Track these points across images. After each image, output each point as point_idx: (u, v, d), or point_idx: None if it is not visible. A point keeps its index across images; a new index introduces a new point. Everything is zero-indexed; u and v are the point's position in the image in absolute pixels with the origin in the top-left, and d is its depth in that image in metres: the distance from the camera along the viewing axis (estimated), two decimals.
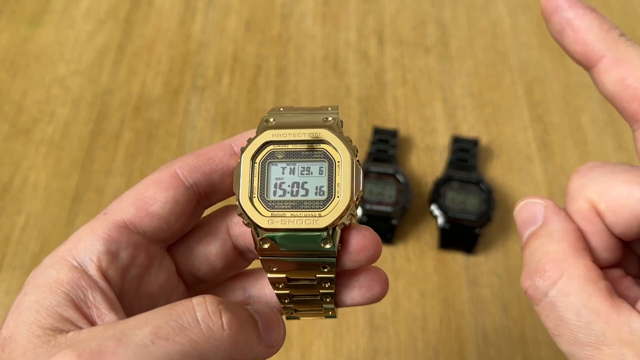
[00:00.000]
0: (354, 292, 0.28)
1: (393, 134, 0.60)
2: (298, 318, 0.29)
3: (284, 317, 0.29)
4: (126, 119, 0.62)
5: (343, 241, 0.25)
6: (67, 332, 0.22)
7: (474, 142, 0.60)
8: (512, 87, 0.66)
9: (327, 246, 0.24)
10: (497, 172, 0.60)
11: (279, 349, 0.25)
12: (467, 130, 0.63)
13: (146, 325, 0.21)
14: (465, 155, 0.59)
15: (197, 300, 0.22)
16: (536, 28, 0.71)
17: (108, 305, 0.23)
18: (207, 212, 0.29)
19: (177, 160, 0.26)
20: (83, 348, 0.20)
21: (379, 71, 0.67)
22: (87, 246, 0.24)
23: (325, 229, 0.24)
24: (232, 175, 0.26)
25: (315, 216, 0.24)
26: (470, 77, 0.67)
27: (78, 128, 0.62)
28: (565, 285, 0.22)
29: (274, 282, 0.26)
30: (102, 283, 0.24)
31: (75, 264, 0.24)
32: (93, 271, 0.24)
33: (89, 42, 0.69)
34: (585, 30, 0.23)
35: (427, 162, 0.61)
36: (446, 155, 0.60)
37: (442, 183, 0.56)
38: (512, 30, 0.71)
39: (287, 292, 0.27)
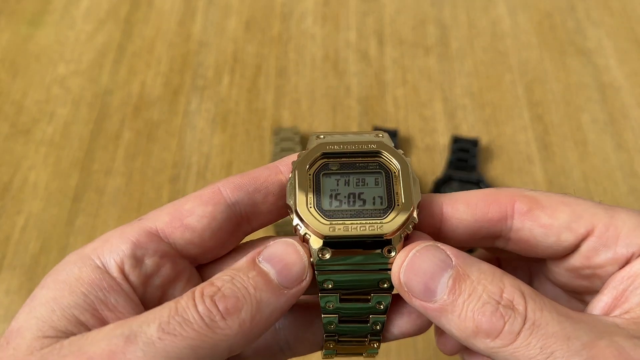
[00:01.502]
0: (404, 320, 0.26)
1: (393, 134, 0.60)
2: (335, 353, 0.28)
3: (322, 352, 0.28)
4: (126, 119, 0.62)
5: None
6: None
7: (474, 142, 0.60)
8: (512, 87, 0.66)
9: (392, 254, 0.23)
10: (497, 172, 0.60)
11: (308, 282, 0.23)
12: (467, 130, 0.63)
13: (153, 321, 0.20)
14: (465, 155, 0.59)
15: (197, 293, 0.21)
16: (536, 28, 0.71)
17: (132, 308, 0.23)
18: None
19: (222, 180, 0.25)
20: (94, 351, 0.20)
21: (379, 71, 0.67)
22: (113, 247, 0.23)
23: (389, 236, 0.23)
24: (276, 195, 0.25)
25: (377, 223, 0.23)
26: (470, 77, 0.67)
27: (78, 128, 0.62)
28: (535, 304, 0.22)
29: (325, 301, 0.25)
30: (125, 285, 0.23)
31: (99, 264, 0.23)
32: (116, 273, 0.23)
33: (89, 42, 0.69)
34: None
35: (427, 162, 0.60)
36: (446, 155, 0.60)
37: (442, 183, 0.56)
38: (512, 30, 0.71)
39: (336, 315, 0.25)
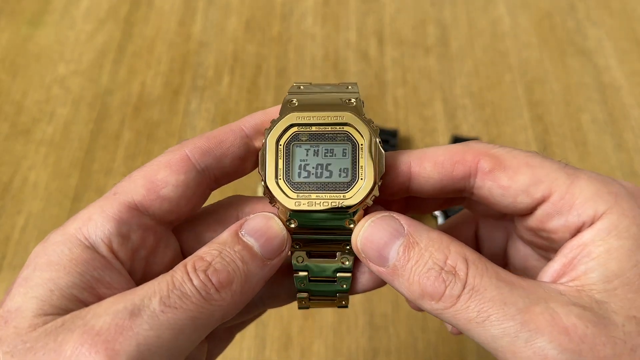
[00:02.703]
0: (365, 277, 0.28)
1: (393, 134, 0.60)
2: (309, 307, 0.30)
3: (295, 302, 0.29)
4: (126, 119, 0.62)
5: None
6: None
7: None
8: (512, 87, 0.66)
9: (352, 226, 0.26)
10: None
11: (287, 252, 0.26)
12: (467, 130, 0.63)
13: (154, 295, 0.22)
14: None
15: (190, 267, 0.23)
16: (536, 28, 0.71)
17: (125, 283, 0.24)
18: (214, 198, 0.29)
19: (187, 143, 0.26)
20: (101, 326, 0.21)
21: (379, 71, 0.67)
22: (98, 226, 0.24)
23: (350, 210, 0.25)
24: (243, 158, 0.27)
25: (340, 198, 0.25)
26: (470, 77, 0.67)
27: (78, 128, 0.62)
28: (477, 270, 0.23)
29: (295, 256, 0.28)
30: (115, 262, 0.24)
31: (87, 244, 0.24)
32: (105, 252, 0.24)
33: (89, 42, 0.69)
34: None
35: None
36: None
37: None
38: (512, 30, 0.71)
39: (306, 273, 0.28)
